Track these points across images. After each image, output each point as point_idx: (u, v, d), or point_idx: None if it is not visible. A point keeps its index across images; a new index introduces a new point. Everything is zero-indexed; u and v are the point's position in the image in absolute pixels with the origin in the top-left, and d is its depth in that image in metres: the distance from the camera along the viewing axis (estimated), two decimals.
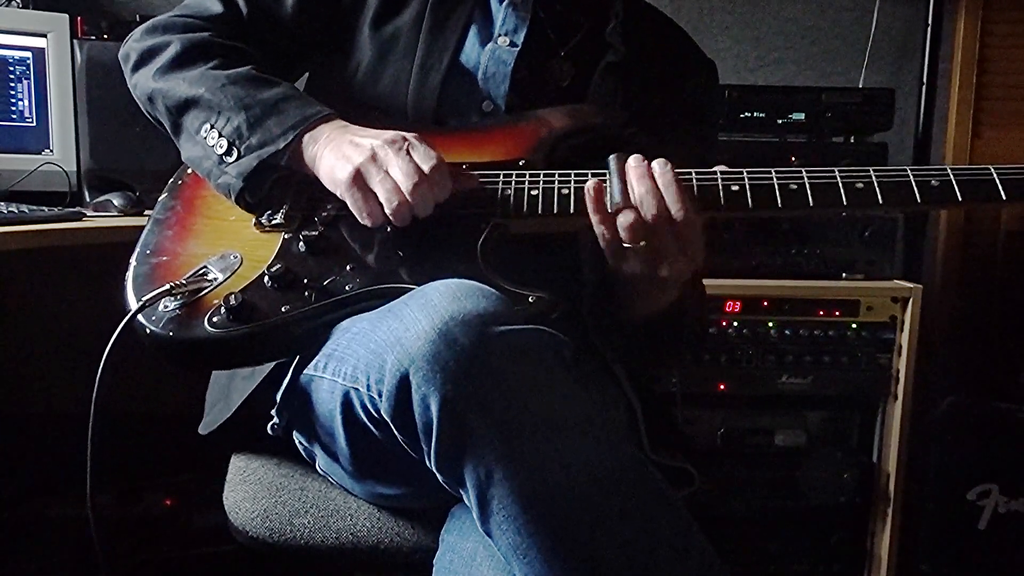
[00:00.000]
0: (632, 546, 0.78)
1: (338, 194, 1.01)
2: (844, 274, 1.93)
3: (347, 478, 1.07)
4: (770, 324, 1.88)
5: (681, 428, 1.21)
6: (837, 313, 1.88)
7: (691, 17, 2.30)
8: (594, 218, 0.99)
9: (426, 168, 0.98)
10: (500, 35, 1.18)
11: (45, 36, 1.75)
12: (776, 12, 2.36)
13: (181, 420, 1.30)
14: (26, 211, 1.47)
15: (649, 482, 0.83)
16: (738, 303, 1.87)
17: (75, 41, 1.74)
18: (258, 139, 1.05)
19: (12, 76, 1.72)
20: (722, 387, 1.89)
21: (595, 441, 0.81)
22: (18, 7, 1.82)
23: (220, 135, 1.06)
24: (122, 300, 1.01)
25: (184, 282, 0.99)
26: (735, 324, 1.87)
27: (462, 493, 0.82)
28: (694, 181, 1.00)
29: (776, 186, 1.00)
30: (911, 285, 1.88)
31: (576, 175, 1.03)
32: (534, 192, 1.03)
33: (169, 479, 1.87)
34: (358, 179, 0.99)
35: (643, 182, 0.97)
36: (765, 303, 1.88)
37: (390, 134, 1.01)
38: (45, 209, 1.54)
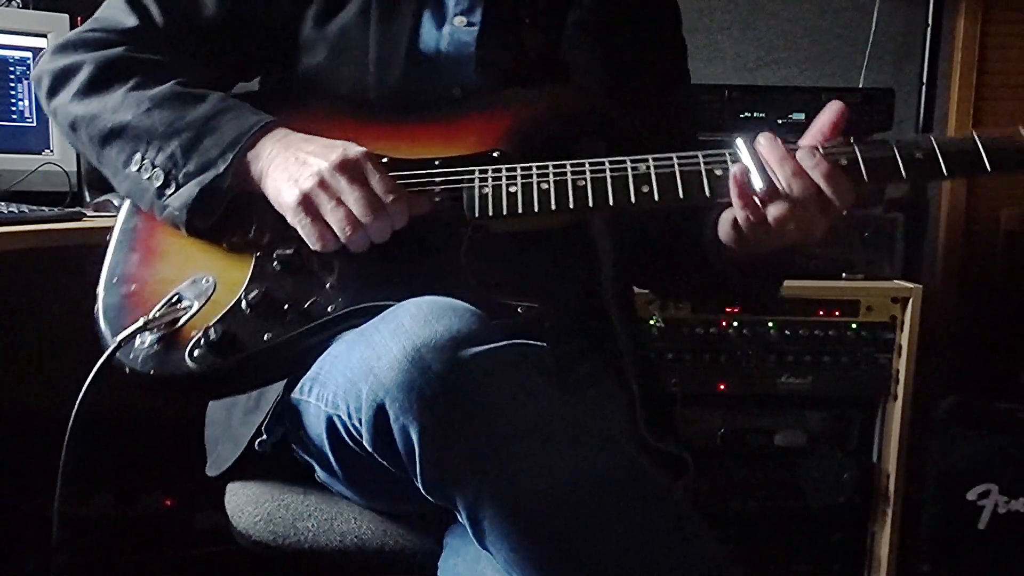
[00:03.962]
0: (631, 545, 0.78)
1: (285, 216, 0.96)
2: (844, 274, 1.93)
3: (345, 491, 1.06)
4: (770, 324, 1.88)
5: (676, 420, 1.19)
6: (837, 313, 1.88)
7: (691, 17, 2.29)
8: (737, 203, 0.94)
9: (385, 199, 0.93)
10: (455, 15, 1.11)
11: (45, 36, 1.74)
12: (776, 12, 2.36)
13: (181, 420, 1.30)
14: (26, 211, 1.46)
15: (644, 479, 0.82)
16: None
17: None
18: (196, 164, 0.98)
19: (12, 76, 1.72)
20: (722, 387, 1.89)
21: (584, 447, 0.80)
22: (18, 7, 1.82)
23: (154, 166, 0.99)
24: (96, 334, 0.98)
25: (158, 315, 0.95)
26: (735, 324, 1.87)
27: (456, 513, 0.82)
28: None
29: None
30: (911, 285, 1.88)
31: (555, 167, 0.98)
32: (512, 189, 0.97)
33: (169, 479, 1.87)
34: (306, 204, 0.93)
35: (785, 165, 0.93)
36: None
37: (337, 153, 0.94)
38: (45, 209, 1.53)
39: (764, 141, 0.95)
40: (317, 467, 1.06)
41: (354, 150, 0.96)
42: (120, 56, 1.06)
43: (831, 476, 1.92)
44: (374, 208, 0.92)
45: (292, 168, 0.95)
